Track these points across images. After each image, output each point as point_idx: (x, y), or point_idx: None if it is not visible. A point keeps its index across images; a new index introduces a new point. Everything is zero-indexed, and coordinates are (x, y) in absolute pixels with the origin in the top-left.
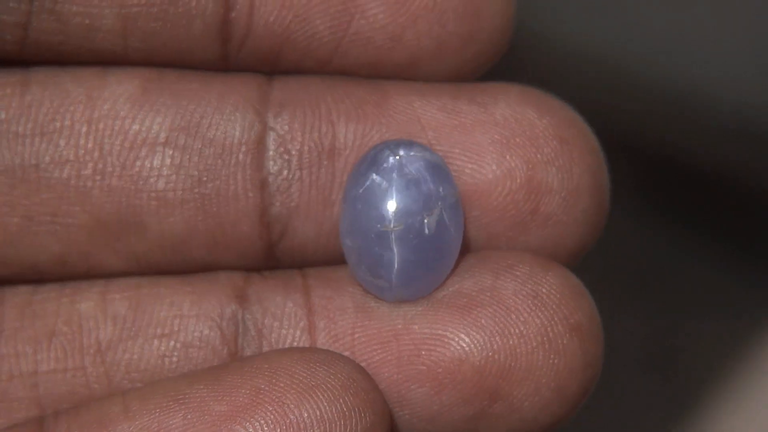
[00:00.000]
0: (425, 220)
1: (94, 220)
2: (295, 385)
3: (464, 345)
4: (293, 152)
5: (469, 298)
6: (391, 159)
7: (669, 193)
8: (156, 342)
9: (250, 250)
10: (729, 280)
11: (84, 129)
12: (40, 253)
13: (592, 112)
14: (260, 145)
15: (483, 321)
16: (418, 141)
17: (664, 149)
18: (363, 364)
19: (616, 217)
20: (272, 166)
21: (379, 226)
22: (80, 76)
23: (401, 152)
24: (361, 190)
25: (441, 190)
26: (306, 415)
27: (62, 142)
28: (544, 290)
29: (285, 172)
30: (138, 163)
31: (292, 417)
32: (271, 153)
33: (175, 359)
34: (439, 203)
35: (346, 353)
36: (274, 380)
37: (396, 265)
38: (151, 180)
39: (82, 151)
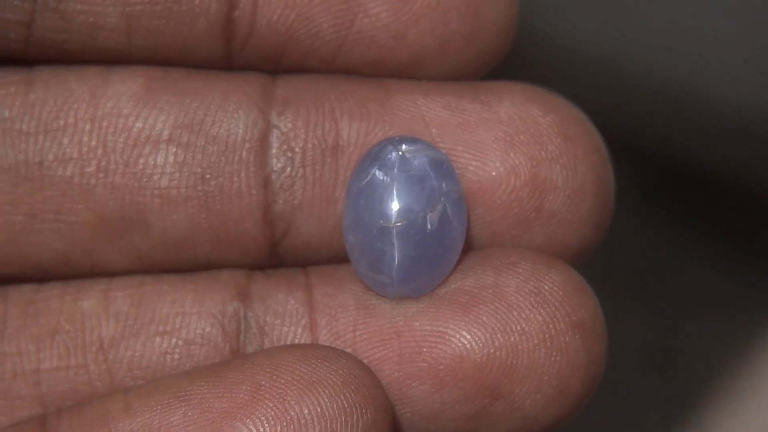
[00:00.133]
0: (428, 216)
1: (98, 218)
2: (296, 381)
3: (465, 342)
4: (296, 150)
5: (471, 295)
6: (393, 154)
7: (669, 193)
8: (158, 339)
9: (254, 248)
10: (729, 279)
11: (87, 127)
12: (44, 251)
13: (592, 112)
14: (263, 142)
15: (484, 318)
16: (422, 138)
17: (664, 149)
18: (364, 361)
19: (616, 217)
20: (275, 164)
21: (381, 221)
22: (84, 75)
23: (404, 148)
24: (362, 184)
25: (444, 186)
26: (307, 411)
27: (66, 140)
28: (546, 287)
29: (288, 170)
30: (141, 160)
31: (292, 413)
32: (274, 150)
33: (176, 356)
34: (442, 199)
35: (348, 350)
36: (275, 377)
37: (396, 261)
38: (155, 177)
39: (86, 149)
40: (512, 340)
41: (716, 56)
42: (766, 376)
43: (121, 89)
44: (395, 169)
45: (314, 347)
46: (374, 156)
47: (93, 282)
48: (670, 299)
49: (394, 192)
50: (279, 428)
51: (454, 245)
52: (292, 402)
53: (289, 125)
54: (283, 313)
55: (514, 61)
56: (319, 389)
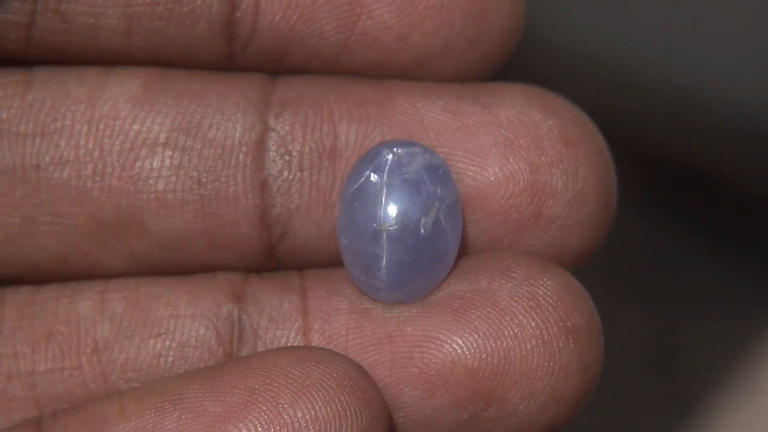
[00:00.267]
0: (421, 221)
1: (94, 221)
2: (290, 384)
3: (457, 347)
4: (294, 153)
5: (464, 300)
6: (389, 158)
7: (670, 194)
8: (152, 341)
9: (250, 251)
10: (729, 280)
11: (84, 129)
12: (41, 253)
13: (592, 113)
14: (261, 146)
15: (477, 323)
16: (420, 142)
17: (664, 150)
18: None
19: (617, 218)
20: (273, 168)
21: (374, 225)
22: (83, 76)
23: (400, 152)
24: (357, 189)
25: (439, 190)
26: (300, 415)
27: (63, 143)
28: (540, 292)
29: (285, 173)
30: (138, 164)
31: (286, 417)
32: (271, 154)
33: (170, 359)
34: (436, 204)
35: None
36: (269, 380)
37: (385, 265)
38: (151, 181)
39: (83, 152)
40: (505, 345)
41: (716, 57)
42: (766, 376)
43: (119, 91)
44: (389, 173)
45: (309, 349)
46: (369, 159)
47: (90, 284)
48: (671, 299)
49: (388, 196)
50: None
51: (448, 250)
52: (286, 406)
53: (287, 128)
54: (277, 317)
55: (515, 63)
56: (313, 392)
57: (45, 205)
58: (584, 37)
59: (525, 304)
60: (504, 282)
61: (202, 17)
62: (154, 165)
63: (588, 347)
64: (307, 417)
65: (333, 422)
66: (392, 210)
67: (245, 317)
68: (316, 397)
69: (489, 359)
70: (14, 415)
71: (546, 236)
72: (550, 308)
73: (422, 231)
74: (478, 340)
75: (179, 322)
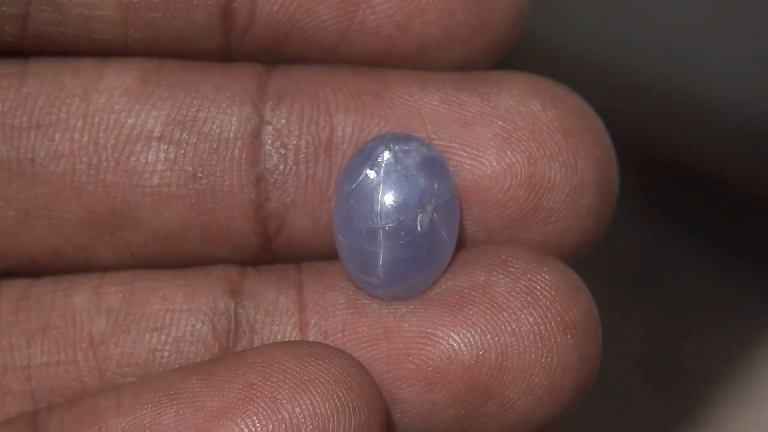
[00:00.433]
0: (418, 218)
1: (89, 215)
2: (288, 380)
3: (454, 343)
4: (290, 147)
5: (461, 296)
6: (385, 154)
7: (670, 194)
8: (148, 336)
9: (246, 245)
10: (729, 280)
11: (79, 123)
12: (36, 247)
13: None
14: (256, 139)
15: (474, 319)
16: (417, 134)
17: (664, 150)
18: None
19: (616, 219)
20: (268, 161)
21: (370, 222)
22: (79, 68)
23: (396, 147)
24: (353, 186)
25: (436, 186)
26: (299, 410)
27: (57, 136)
28: (538, 287)
29: (281, 167)
30: (132, 158)
31: (284, 413)
32: (267, 148)
33: (166, 353)
34: (433, 200)
35: None
36: (267, 375)
37: (382, 262)
38: (146, 175)
39: (77, 146)
40: (502, 341)
41: (716, 57)
42: (766, 379)
43: (114, 83)
44: (386, 170)
45: (307, 344)
46: (366, 155)
47: (85, 277)
48: (670, 300)
49: (384, 192)
50: (271, 428)
51: (445, 246)
52: (285, 401)
53: (283, 121)
54: (273, 311)
55: (514, 63)
56: (312, 388)
57: (40, 199)
58: (584, 37)
59: (523, 299)
60: (501, 276)
61: (198, 7)
62: (149, 159)
63: (586, 341)
64: (306, 413)
65: (331, 418)
66: (389, 207)
67: (241, 312)
68: (314, 392)
69: (487, 355)
70: (9, 409)
71: (544, 229)
72: (548, 303)
73: (419, 228)
74: (476, 336)
75: (175, 317)
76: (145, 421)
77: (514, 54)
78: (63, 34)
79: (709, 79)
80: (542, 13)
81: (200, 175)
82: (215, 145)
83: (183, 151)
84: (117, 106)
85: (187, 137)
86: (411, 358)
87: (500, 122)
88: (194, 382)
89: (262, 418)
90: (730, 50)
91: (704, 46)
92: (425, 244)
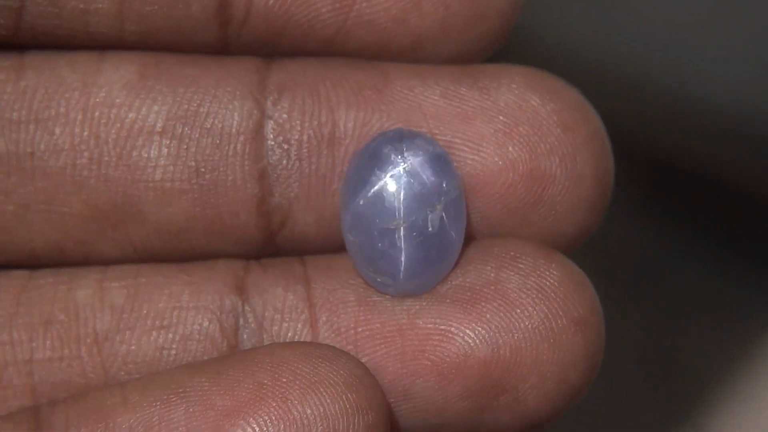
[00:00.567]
0: (428, 217)
1: (91, 209)
2: (299, 380)
3: (469, 340)
4: (292, 141)
5: (473, 292)
6: (392, 152)
7: (670, 195)
8: (154, 334)
9: (249, 240)
10: (729, 281)
11: (79, 117)
12: (36, 241)
13: None
14: (259, 134)
15: (488, 316)
16: (420, 130)
17: (663, 151)
18: (366, 359)
19: (616, 219)
20: (271, 156)
21: (381, 222)
22: (76, 62)
23: (403, 145)
24: (362, 185)
25: (444, 185)
26: (309, 411)
27: (57, 130)
28: (547, 283)
29: (284, 162)
30: (135, 152)
31: (295, 413)
32: (270, 142)
33: (173, 351)
34: (442, 199)
35: (349, 347)
36: (276, 375)
37: (403, 264)
38: (149, 170)
39: (78, 140)
40: (516, 337)
41: (715, 57)
42: (766, 379)
43: (114, 78)
44: (395, 169)
45: (315, 346)
46: (373, 153)
47: (87, 271)
48: (670, 300)
49: (394, 192)
50: (282, 428)
51: (455, 243)
52: (295, 402)
53: (285, 116)
54: (282, 308)
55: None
56: (322, 389)
57: (40, 193)
58: (583, 37)
59: (534, 295)
60: (512, 273)
61: (195, 0)
62: (152, 154)
63: (593, 336)
64: (316, 414)
65: (341, 419)
66: (399, 207)
67: (249, 309)
68: (324, 394)
69: (501, 351)
70: (11, 403)
71: (544, 222)
72: (557, 299)
73: (430, 228)
74: (490, 332)
75: (182, 315)
76: (154, 419)
77: (512, 53)
78: (58, 28)
79: (709, 79)
80: (541, 12)
81: (203, 169)
82: (218, 140)
83: (185, 146)
84: (117, 101)
85: (189, 132)
86: (426, 355)
87: (501, 117)
88: (203, 380)
89: (273, 418)
90: (729, 50)
91: (703, 46)
92: (436, 243)
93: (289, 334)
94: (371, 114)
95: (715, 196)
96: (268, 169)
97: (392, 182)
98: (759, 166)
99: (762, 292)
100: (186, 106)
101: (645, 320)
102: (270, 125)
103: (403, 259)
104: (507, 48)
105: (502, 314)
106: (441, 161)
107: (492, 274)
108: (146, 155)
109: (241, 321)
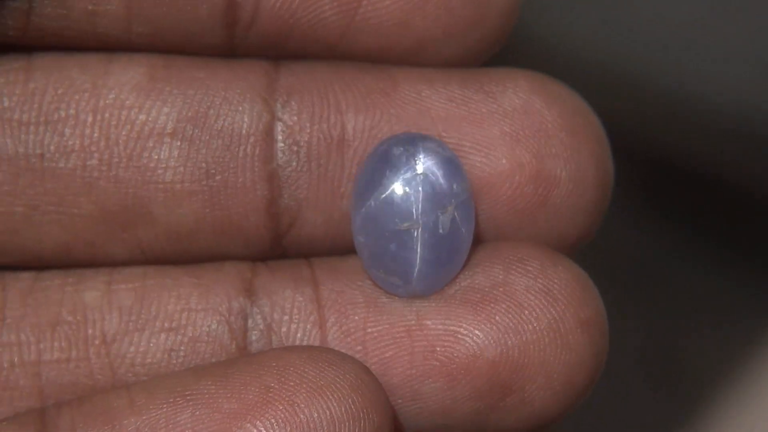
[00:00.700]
0: (440, 219)
1: (100, 211)
2: (305, 384)
3: (479, 341)
4: (302, 143)
5: (482, 294)
6: (404, 155)
7: (669, 196)
8: (163, 335)
9: (258, 242)
10: (729, 281)
11: (89, 119)
12: (44, 242)
13: None
14: (268, 136)
15: (497, 317)
16: (430, 134)
17: (663, 151)
18: (375, 359)
19: (617, 219)
20: (281, 158)
21: (394, 225)
22: (85, 63)
23: (415, 149)
24: (374, 188)
25: (455, 187)
26: (316, 415)
27: (67, 131)
28: (555, 286)
29: (294, 164)
30: (145, 154)
31: (302, 416)
32: (279, 145)
33: (182, 353)
34: (453, 201)
35: (358, 348)
36: (283, 379)
37: (417, 265)
38: (159, 171)
39: (88, 141)
40: (524, 338)
41: (716, 58)
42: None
43: (123, 79)
44: (407, 171)
45: (320, 350)
46: (384, 155)
47: (94, 272)
48: (670, 301)
49: (405, 195)
50: (289, 431)
51: (464, 245)
52: (302, 405)
53: (294, 118)
54: (291, 310)
55: (513, 63)
56: (328, 393)
57: (50, 195)
58: (583, 37)
59: (542, 297)
60: (520, 275)
61: (203, 2)
62: (162, 156)
63: (598, 337)
64: (323, 417)
65: (347, 423)
66: (411, 209)
67: (257, 311)
68: (330, 397)
69: (510, 352)
70: (18, 404)
71: (548, 224)
72: (565, 302)
73: (441, 230)
74: (499, 334)
75: (191, 317)
76: (161, 421)
77: (513, 53)
78: (67, 29)
79: (709, 79)
80: (541, 12)
81: (213, 171)
82: (228, 142)
83: (196, 148)
84: (128, 102)
85: (199, 134)
86: (435, 355)
87: (508, 120)
88: (209, 383)
89: (281, 421)
90: (729, 50)
91: (703, 46)
92: (446, 245)
93: (299, 335)
94: (380, 117)
95: (715, 196)
96: (278, 171)
97: (404, 184)
98: (759, 166)
99: (762, 292)
100: (196, 108)
101: (645, 320)
102: (280, 127)
103: (416, 260)
104: (508, 48)
105: (510, 315)
106: (451, 164)
107: (500, 277)
108: (157, 157)
109: (250, 323)
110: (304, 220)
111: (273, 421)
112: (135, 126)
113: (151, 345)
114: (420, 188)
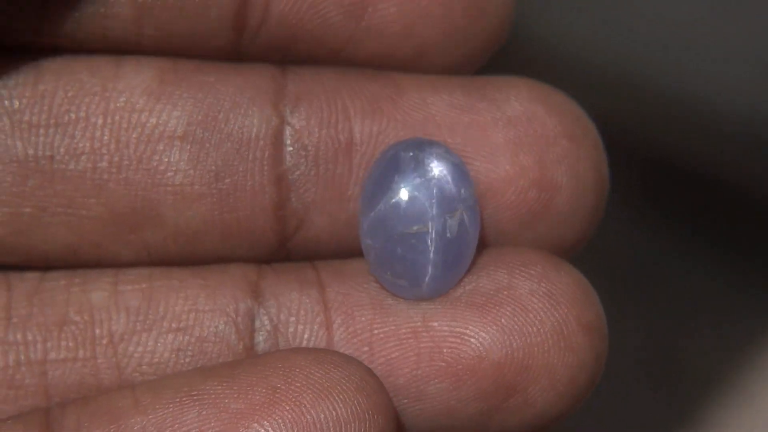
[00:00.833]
0: (447, 223)
1: (110, 213)
2: (311, 385)
3: (484, 342)
4: (310, 148)
5: (487, 297)
6: (414, 162)
7: (669, 196)
8: (170, 336)
9: (264, 243)
10: (729, 282)
11: (100, 121)
12: (51, 243)
13: (591, 115)
14: (277, 140)
15: (503, 320)
16: (436, 140)
17: (663, 152)
18: (381, 360)
19: (616, 219)
20: (289, 162)
21: (404, 227)
22: (94, 66)
23: (423, 154)
24: (382, 191)
25: (462, 192)
26: (323, 416)
27: (77, 134)
28: (558, 290)
29: (302, 167)
30: (155, 157)
31: (308, 417)
32: (288, 149)
33: (190, 353)
34: (461, 205)
35: (365, 349)
36: (290, 380)
37: (430, 269)
38: (169, 174)
39: (98, 144)
40: (529, 341)
41: (715, 57)
42: (766, 379)
43: (133, 82)
44: (415, 176)
45: (326, 352)
46: (392, 160)
47: (99, 273)
48: (670, 301)
49: (414, 199)
50: (295, 431)
51: (470, 249)
52: (308, 406)
53: (303, 123)
54: (298, 311)
55: (511, 63)
56: (334, 394)
57: (59, 196)
58: (583, 38)
59: (546, 301)
60: (523, 279)
61: (213, 6)
62: (172, 158)
63: (599, 340)
64: (329, 418)
65: (352, 424)
66: (419, 213)
67: (264, 312)
68: (336, 399)
69: (514, 354)
70: (23, 403)
71: (549, 228)
72: (567, 305)
73: (448, 234)
74: (504, 336)
75: (198, 317)
76: (167, 421)
77: (513, 54)
78: (76, 31)
79: (709, 79)
80: (541, 13)
81: (222, 174)
82: (237, 146)
83: (206, 151)
84: (138, 105)
85: (209, 137)
86: (442, 356)
87: (511, 127)
88: (215, 383)
89: (288, 421)
90: (729, 50)
91: (703, 46)
92: (454, 249)
93: (305, 337)
94: (387, 123)
95: (715, 196)
96: (286, 174)
97: (413, 189)
98: (759, 166)
99: (762, 292)
100: (206, 112)
101: (645, 320)
102: (289, 131)
103: (427, 263)
104: (508, 48)
105: (515, 318)
106: (458, 169)
107: (504, 280)
108: (167, 159)
109: (257, 323)
110: (311, 223)
111: (279, 421)
112: (145, 129)
113: (159, 345)
114: (429, 193)
